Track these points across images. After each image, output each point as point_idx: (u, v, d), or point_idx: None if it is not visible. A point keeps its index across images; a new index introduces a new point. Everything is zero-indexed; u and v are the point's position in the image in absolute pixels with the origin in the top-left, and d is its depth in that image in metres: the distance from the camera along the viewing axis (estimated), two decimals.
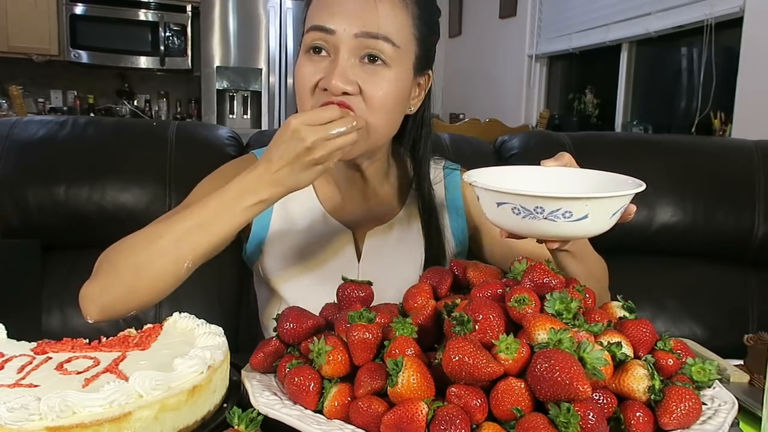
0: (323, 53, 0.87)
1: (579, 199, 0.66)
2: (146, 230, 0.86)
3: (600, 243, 1.37)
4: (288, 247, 1.01)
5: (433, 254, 1.02)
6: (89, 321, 0.85)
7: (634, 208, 0.75)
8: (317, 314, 0.77)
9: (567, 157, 0.82)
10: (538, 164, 0.82)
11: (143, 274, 0.82)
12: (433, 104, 1.02)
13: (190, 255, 0.81)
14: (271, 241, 1.01)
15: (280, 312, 1.02)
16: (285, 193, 0.81)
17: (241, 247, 1.05)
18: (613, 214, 0.70)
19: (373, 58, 0.86)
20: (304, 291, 1.00)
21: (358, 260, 1.01)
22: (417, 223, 1.03)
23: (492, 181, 0.74)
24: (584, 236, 0.72)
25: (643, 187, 0.71)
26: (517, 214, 0.68)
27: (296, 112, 1.05)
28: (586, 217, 0.67)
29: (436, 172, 1.08)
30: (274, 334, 0.75)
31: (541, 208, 0.66)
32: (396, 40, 0.87)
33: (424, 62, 0.94)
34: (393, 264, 1.01)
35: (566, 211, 0.66)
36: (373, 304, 0.76)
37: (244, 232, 1.02)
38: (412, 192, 1.05)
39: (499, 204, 0.70)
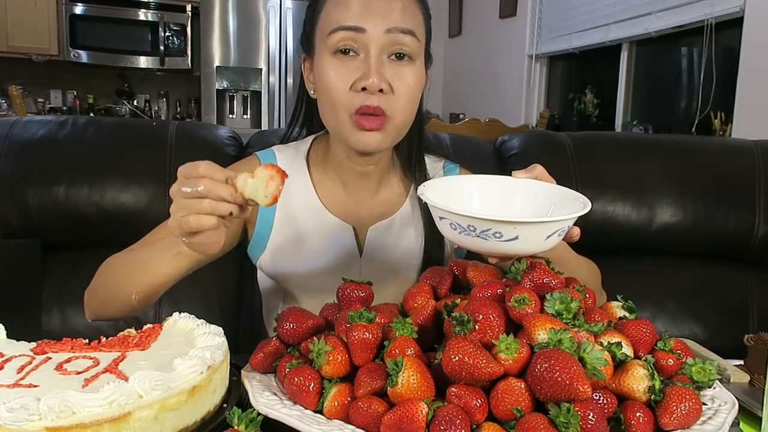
0: (351, 53, 0.90)
1: (507, 222, 0.67)
2: (127, 251, 0.91)
3: (599, 243, 1.38)
4: (291, 244, 1.02)
5: (433, 248, 1.04)
6: (89, 320, 0.95)
7: (576, 230, 0.76)
8: (319, 311, 0.77)
9: (539, 169, 0.82)
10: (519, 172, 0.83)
11: (107, 294, 0.90)
12: (426, 101, 1.05)
13: (134, 289, 0.84)
14: (274, 238, 1.02)
15: (284, 307, 1.02)
16: (188, 248, 0.73)
17: (240, 248, 1.06)
18: (548, 237, 0.70)
19: (400, 55, 0.91)
20: (308, 286, 1.02)
21: (360, 255, 1.02)
22: (418, 218, 1.05)
23: (448, 191, 0.78)
24: (519, 255, 0.73)
25: (580, 213, 0.71)
26: (454, 230, 0.71)
27: (297, 111, 1.07)
28: (516, 238, 0.68)
29: (436, 169, 1.10)
30: (274, 334, 0.75)
31: (473, 227, 0.69)
32: (418, 34, 0.92)
33: (429, 57, 0.99)
34: (394, 258, 1.03)
35: (496, 232, 0.68)
36: (374, 296, 0.76)
37: (249, 231, 1.04)
38: (413, 188, 1.06)
39: (440, 218, 0.72)
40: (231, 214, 0.68)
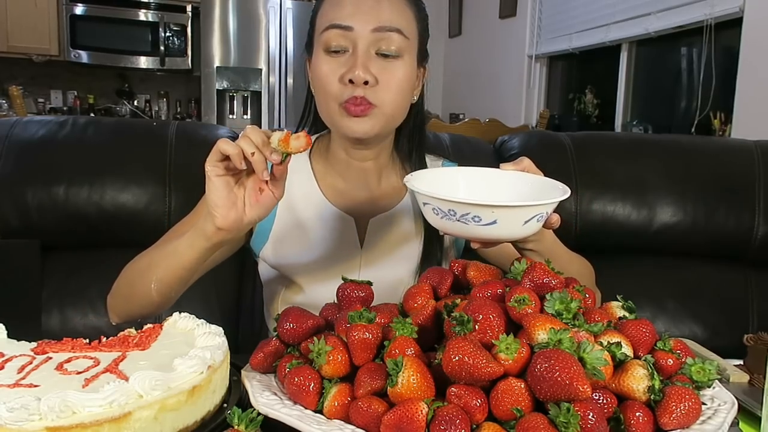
0: (341, 50, 0.94)
1: (485, 206, 0.69)
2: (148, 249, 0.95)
3: (599, 243, 1.38)
4: (293, 234, 1.05)
5: (432, 240, 1.06)
6: (113, 323, 0.98)
7: (556, 217, 0.79)
8: (322, 303, 0.78)
9: (526, 161, 0.84)
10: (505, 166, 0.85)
11: (130, 291, 0.93)
12: (427, 101, 1.08)
13: (154, 276, 0.87)
14: (276, 229, 1.04)
15: (285, 294, 1.05)
16: (210, 218, 0.80)
17: (240, 248, 1.07)
18: (526, 222, 0.72)
19: (386, 52, 0.94)
20: (309, 276, 1.04)
21: (361, 246, 1.04)
22: (417, 211, 1.07)
23: (435, 181, 0.81)
24: (499, 240, 0.76)
25: (557, 199, 0.73)
26: (436, 215, 0.73)
27: (305, 112, 1.09)
28: (495, 222, 0.70)
29: (435, 167, 1.12)
30: (274, 333, 0.75)
31: (453, 211, 0.71)
32: (405, 32, 0.96)
33: (422, 55, 1.03)
34: (394, 250, 1.05)
35: (475, 216, 0.70)
36: (374, 288, 0.77)
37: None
38: None
39: (424, 204, 0.75)
40: (253, 154, 0.75)
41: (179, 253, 0.84)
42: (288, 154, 0.77)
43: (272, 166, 0.78)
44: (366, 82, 0.92)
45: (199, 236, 0.81)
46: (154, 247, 0.94)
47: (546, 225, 0.77)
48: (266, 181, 0.79)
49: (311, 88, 1.04)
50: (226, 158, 0.76)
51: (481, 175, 0.85)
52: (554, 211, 0.76)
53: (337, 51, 0.94)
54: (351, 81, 0.92)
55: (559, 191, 0.76)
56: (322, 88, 0.96)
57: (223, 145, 0.76)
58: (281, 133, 0.77)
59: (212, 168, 0.77)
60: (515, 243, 0.85)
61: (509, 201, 0.71)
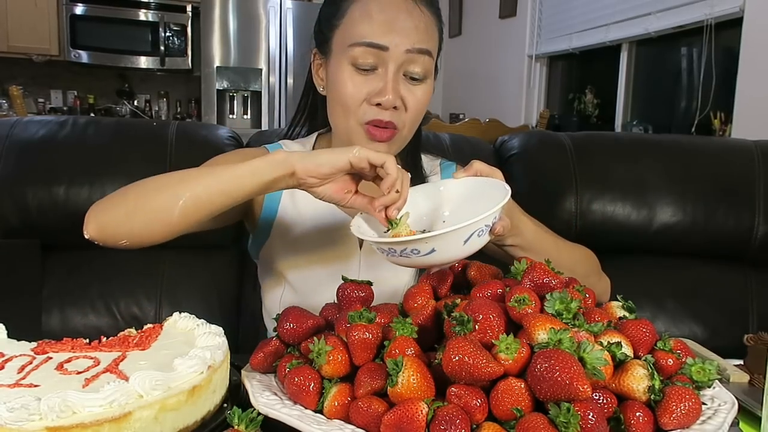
0: (370, 68, 0.92)
1: (417, 240, 0.70)
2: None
3: (599, 243, 1.38)
4: (294, 234, 1.04)
5: None
6: (85, 235, 0.85)
7: (500, 226, 0.77)
8: (321, 304, 0.78)
9: (476, 165, 0.84)
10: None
11: (143, 200, 0.83)
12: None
13: (188, 191, 0.80)
14: (278, 227, 1.04)
15: (283, 298, 1.04)
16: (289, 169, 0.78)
17: (239, 248, 1.07)
18: (466, 241, 0.71)
19: (415, 75, 0.93)
20: (308, 277, 1.04)
21: (360, 247, 1.04)
22: None
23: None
24: (448, 262, 0.75)
25: (490, 212, 0.71)
26: (383, 253, 0.75)
27: (302, 104, 1.09)
28: (433, 250, 0.70)
29: (433, 167, 1.12)
30: (274, 334, 0.75)
31: (393, 249, 0.72)
32: (433, 53, 0.95)
33: (436, 69, 1.01)
34: None
35: (413, 249, 0.71)
36: (374, 296, 0.77)
37: (251, 222, 1.06)
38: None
39: (371, 244, 0.77)
40: (397, 191, 0.77)
41: (234, 175, 0.79)
42: (392, 225, 0.77)
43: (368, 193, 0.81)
44: (395, 107, 0.92)
45: (268, 166, 0.78)
46: (198, 168, 0.86)
47: (494, 233, 0.76)
48: (356, 191, 0.81)
49: (315, 84, 1.02)
50: (373, 168, 0.78)
51: (425, 193, 0.85)
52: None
53: (365, 68, 0.92)
54: (379, 104, 0.91)
55: (502, 194, 0.74)
56: (343, 104, 0.94)
57: (391, 164, 0.77)
58: (406, 227, 0.77)
59: (360, 158, 0.77)
60: (495, 241, 0.84)
61: (440, 229, 0.70)
